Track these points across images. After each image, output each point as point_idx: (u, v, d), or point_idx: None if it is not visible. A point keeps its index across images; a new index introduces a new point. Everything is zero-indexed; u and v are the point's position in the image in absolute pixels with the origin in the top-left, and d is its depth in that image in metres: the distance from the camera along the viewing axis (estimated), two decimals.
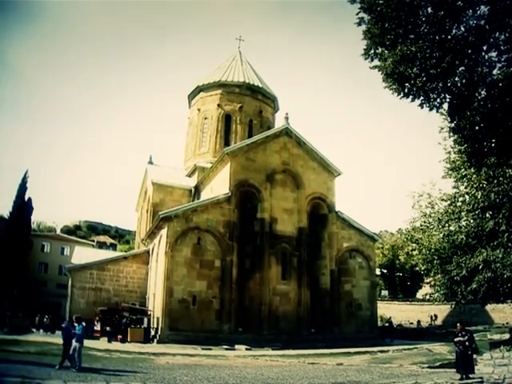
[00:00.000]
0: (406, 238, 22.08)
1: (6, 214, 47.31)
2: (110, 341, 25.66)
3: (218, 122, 41.05)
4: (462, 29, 11.76)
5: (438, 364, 17.63)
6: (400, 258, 54.01)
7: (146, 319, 28.00)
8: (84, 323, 15.47)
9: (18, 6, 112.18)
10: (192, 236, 28.05)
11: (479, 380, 13.01)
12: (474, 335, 15.95)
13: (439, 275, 18.67)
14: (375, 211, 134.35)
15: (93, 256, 34.65)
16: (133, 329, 26.87)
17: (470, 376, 13.33)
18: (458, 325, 14.55)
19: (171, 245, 27.06)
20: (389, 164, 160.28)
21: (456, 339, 14.10)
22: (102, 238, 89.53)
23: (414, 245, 20.68)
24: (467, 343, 13.69)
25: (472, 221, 16.88)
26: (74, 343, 14.37)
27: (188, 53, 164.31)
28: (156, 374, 14.12)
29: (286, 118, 32.80)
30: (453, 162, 17.84)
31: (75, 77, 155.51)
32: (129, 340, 26.06)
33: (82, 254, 36.29)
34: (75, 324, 15.10)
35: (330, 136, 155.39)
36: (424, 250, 19.09)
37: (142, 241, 36.45)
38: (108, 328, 26.73)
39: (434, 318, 46.25)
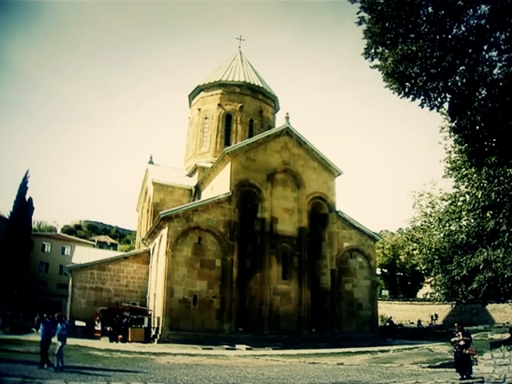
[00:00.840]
0: (407, 238, 22.10)
1: (6, 213, 47.46)
2: (111, 341, 25.68)
3: (218, 121, 41.04)
4: (463, 28, 11.75)
5: (438, 364, 17.62)
6: (401, 257, 54.04)
7: (146, 319, 28.01)
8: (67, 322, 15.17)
9: (18, 6, 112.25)
10: (192, 236, 28.05)
11: (480, 380, 13.03)
12: (475, 335, 16.00)
13: (440, 275, 18.67)
14: (376, 211, 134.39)
15: (93, 256, 34.63)
16: (133, 328, 26.87)
17: (471, 376, 13.34)
18: (456, 325, 14.60)
19: (172, 244, 27.06)
20: (389, 163, 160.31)
21: (453, 339, 14.13)
22: (102, 238, 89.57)
23: (414, 244, 20.68)
24: (462, 342, 13.70)
25: (473, 220, 16.88)
26: (57, 342, 14.04)
27: (188, 52, 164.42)
28: (157, 374, 14.12)
29: (287, 118, 32.81)
30: (453, 161, 17.84)
31: (76, 76, 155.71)
32: (129, 340, 26.06)
33: (83, 254, 36.26)
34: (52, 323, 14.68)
35: (331, 136, 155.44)
36: (424, 250, 19.09)
37: (142, 240, 36.44)
38: (110, 328, 26.71)
39: (434, 317, 46.27)
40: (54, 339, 14.50)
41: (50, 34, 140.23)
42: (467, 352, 13.59)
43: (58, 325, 14.51)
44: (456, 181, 17.91)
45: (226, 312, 27.54)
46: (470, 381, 12.98)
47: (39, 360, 14.12)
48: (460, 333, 14.01)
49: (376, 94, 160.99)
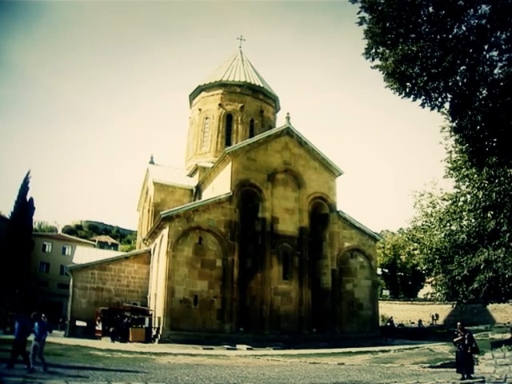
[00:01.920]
0: (408, 238, 22.07)
1: (7, 213, 47.51)
2: (112, 341, 25.68)
3: (219, 121, 41.04)
4: (463, 28, 11.75)
5: (439, 364, 17.60)
6: (401, 257, 54.01)
7: (147, 319, 28.02)
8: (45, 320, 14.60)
9: (18, 6, 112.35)
10: (193, 236, 28.06)
11: (481, 380, 13.03)
12: (475, 335, 15.95)
13: (440, 275, 18.66)
14: (376, 211, 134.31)
15: (94, 256, 34.65)
16: (134, 328, 26.91)
17: (472, 376, 13.34)
18: (459, 324, 14.60)
19: (172, 244, 27.07)
20: (390, 163, 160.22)
21: (455, 339, 14.13)
22: (103, 238, 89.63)
23: (415, 244, 20.66)
24: (466, 341, 13.71)
25: (473, 220, 16.84)
26: (33, 342, 13.44)
27: (189, 52, 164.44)
28: (157, 374, 14.13)
29: (287, 118, 32.81)
30: (454, 161, 17.80)
31: (76, 76, 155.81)
32: (130, 340, 26.09)
33: (84, 254, 36.29)
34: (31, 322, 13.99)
35: (331, 136, 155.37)
36: (425, 250, 19.07)
37: (143, 241, 36.46)
38: (111, 328, 26.70)
39: (435, 317, 46.26)
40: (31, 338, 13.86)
41: (50, 33, 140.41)
42: (469, 351, 13.61)
43: (36, 324, 13.87)
44: (457, 181, 17.87)
45: (226, 312, 27.55)
46: (471, 381, 12.98)
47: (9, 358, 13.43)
48: (462, 333, 14.02)
49: (376, 94, 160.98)
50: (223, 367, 16.73)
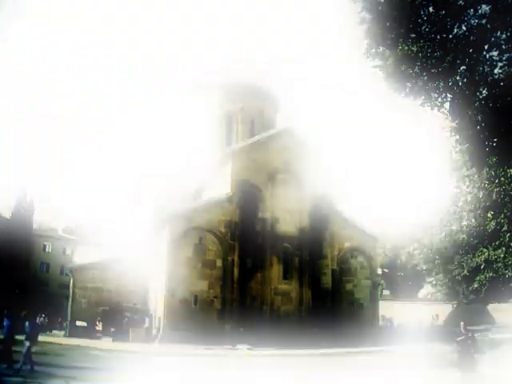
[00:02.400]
0: (408, 238, 22.10)
1: (8, 214, 47.51)
2: (113, 341, 25.69)
3: (219, 121, 40.98)
4: (464, 28, 11.74)
5: (439, 364, 17.60)
6: (401, 257, 54.00)
7: (147, 319, 28.03)
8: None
9: (17, 4, 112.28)
10: (193, 236, 28.03)
11: (480, 379, 13.03)
12: (476, 335, 15.95)
13: (441, 274, 18.73)
14: (377, 210, 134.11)
15: (94, 256, 34.66)
16: (134, 329, 26.90)
17: (472, 375, 13.35)
18: (462, 324, 14.61)
19: (172, 244, 27.06)
20: (391, 163, 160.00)
21: (459, 338, 14.14)
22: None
23: (415, 244, 20.69)
24: (469, 341, 13.73)
25: (474, 220, 16.86)
26: (24, 341, 13.35)
27: (189, 52, 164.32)
28: (157, 374, 14.15)
29: (288, 118, 32.82)
30: (454, 161, 17.81)
31: (76, 75, 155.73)
32: (130, 340, 26.10)
33: (84, 254, 36.31)
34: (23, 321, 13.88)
35: (332, 136, 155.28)
36: (425, 250, 19.11)
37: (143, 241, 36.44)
38: (112, 329, 26.72)
39: (435, 317, 46.22)
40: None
41: (51, 32, 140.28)
42: (472, 351, 13.64)
43: (26, 323, 13.69)
44: (457, 181, 17.90)
45: (226, 312, 27.55)
46: (471, 380, 12.99)
47: (6, 359, 13.49)
48: (465, 332, 14.03)
49: (377, 93, 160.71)
50: (223, 367, 16.75)
